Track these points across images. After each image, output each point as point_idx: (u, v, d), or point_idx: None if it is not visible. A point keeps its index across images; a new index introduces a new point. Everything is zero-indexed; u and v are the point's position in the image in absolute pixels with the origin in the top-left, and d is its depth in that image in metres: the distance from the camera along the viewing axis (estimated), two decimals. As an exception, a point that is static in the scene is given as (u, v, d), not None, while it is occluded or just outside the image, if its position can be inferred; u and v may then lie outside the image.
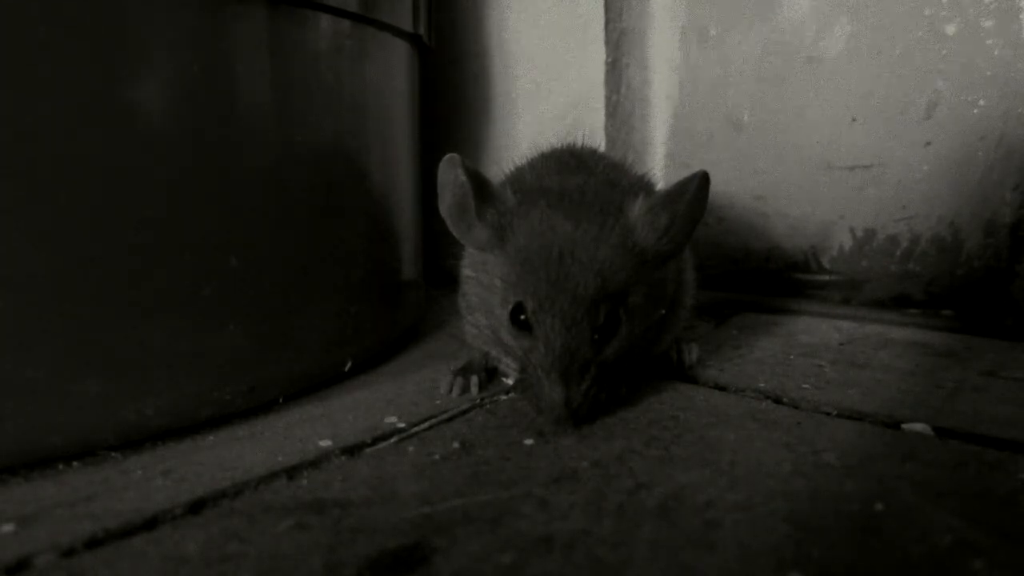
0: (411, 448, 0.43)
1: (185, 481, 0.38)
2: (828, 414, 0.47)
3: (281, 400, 0.51)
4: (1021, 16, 0.67)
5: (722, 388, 0.53)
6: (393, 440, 0.44)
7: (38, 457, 0.40)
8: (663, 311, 0.50)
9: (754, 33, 0.81)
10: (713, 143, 0.86)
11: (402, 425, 0.46)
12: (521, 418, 0.47)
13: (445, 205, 0.46)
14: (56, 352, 0.40)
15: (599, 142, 0.83)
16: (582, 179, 0.49)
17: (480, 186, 0.45)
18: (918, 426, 0.44)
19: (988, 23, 0.68)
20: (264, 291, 0.49)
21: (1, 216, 0.37)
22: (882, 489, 0.36)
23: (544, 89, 0.88)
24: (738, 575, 0.29)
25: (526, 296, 0.43)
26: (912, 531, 0.32)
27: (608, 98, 0.85)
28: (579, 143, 0.63)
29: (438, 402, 0.51)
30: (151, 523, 0.34)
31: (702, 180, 0.45)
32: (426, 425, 0.47)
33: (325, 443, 0.43)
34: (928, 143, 0.73)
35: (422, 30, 0.66)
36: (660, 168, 0.90)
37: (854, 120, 0.76)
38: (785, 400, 0.50)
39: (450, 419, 0.48)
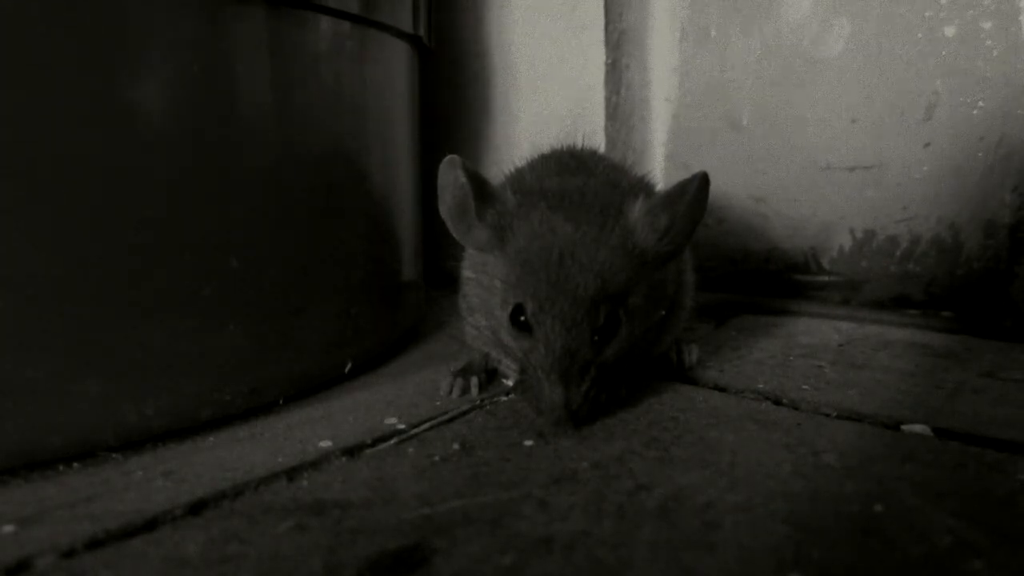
0: (411, 449, 0.43)
1: (185, 482, 0.38)
2: (828, 415, 0.47)
3: (281, 401, 0.51)
4: (1020, 18, 0.67)
5: (722, 389, 0.53)
6: (393, 441, 0.44)
7: (38, 458, 0.40)
8: (663, 312, 0.50)
9: (754, 34, 0.81)
10: (713, 144, 0.86)
11: (402, 426, 0.46)
12: (521, 419, 0.47)
13: (445, 206, 0.46)
14: (56, 352, 0.39)
15: (599, 143, 0.83)
16: (582, 180, 0.49)
17: (480, 187, 0.45)
18: (918, 427, 0.44)
19: (987, 24, 0.68)
20: (264, 292, 0.49)
21: (1, 216, 0.37)
22: (882, 490, 0.36)
23: (544, 90, 0.88)
24: (738, 576, 0.29)
25: (526, 297, 0.43)
26: (912, 532, 0.32)
27: (608, 99, 0.85)
28: (579, 144, 0.63)
29: (438, 403, 0.51)
30: (151, 524, 0.34)
31: (702, 181, 0.45)
32: (426, 426, 0.47)
33: (325, 444, 0.43)
34: (928, 144, 0.73)
35: (422, 31, 0.66)
36: (660, 169, 0.90)
37: (854, 121, 0.76)
38: (785, 401, 0.50)
39: (450, 420, 0.48)
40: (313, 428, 0.46)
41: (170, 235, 0.43)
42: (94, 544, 0.32)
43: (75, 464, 0.41)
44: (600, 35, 0.83)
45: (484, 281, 0.48)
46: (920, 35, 0.72)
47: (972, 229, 0.72)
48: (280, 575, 0.30)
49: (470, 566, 0.30)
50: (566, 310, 0.42)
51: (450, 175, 0.45)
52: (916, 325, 0.71)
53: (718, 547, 0.31)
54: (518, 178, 0.54)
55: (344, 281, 0.56)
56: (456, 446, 0.43)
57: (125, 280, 0.42)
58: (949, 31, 0.70)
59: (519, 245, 0.44)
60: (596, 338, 0.43)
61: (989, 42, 0.68)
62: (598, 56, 0.84)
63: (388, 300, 0.64)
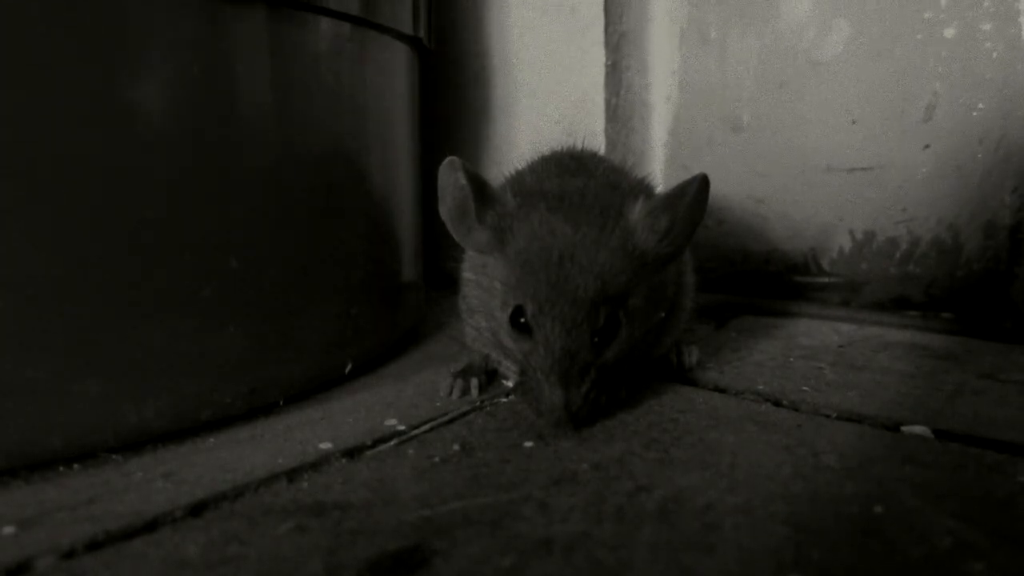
0: (411, 450, 0.43)
1: (185, 483, 0.38)
2: (828, 416, 0.47)
3: (281, 402, 0.51)
4: (1019, 19, 0.67)
5: (722, 390, 0.53)
6: (393, 442, 0.44)
7: (38, 459, 0.40)
8: (663, 314, 0.50)
9: (754, 36, 0.82)
10: (713, 145, 0.86)
11: (402, 427, 0.46)
12: (521, 421, 0.47)
13: (445, 208, 0.46)
14: (56, 352, 0.39)
15: (599, 145, 0.83)
16: (582, 182, 0.49)
17: (480, 189, 0.45)
18: (918, 428, 0.44)
19: (987, 26, 0.68)
20: (264, 292, 0.49)
21: (1, 216, 0.37)
22: (882, 491, 0.36)
23: (544, 91, 0.88)
24: (738, 578, 0.29)
25: (526, 299, 0.43)
26: (912, 533, 0.32)
27: (608, 100, 0.85)
28: (579, 146, 0.63)
29: (438, 404, 0.51)
30: (151, 525, 0.34)
31: (702, 183, 0.45)
32: (426, 427, 0.47)
33: (325, 445, 0.43)
34: (927, 145, 0.73)
35: (422, 32, 0.66)
36: (660, 171, 0.90)
37: (853, 122, 0.76)
38: (785, 402, 0.50)
39: (450, 421, 0.48)
40: (313, 429, 0.46)
41: (170, 235, 0.43)
42: (94, 545, 0.32)
43: (75, 465, 0.41)
44: (600, 37, 0.83)
45: (484, 282, 0.48)
46: (920, 37, 0.72)
47: (972, 230, 0.72)
48: (280, 576, 0.30)
49: (470, 567, 0.30)
50: (566, 312, 0.42)
51: (450, 177, 0.45)
52: (916, 326, 0.71)
53: (718, 548, 0.31)
54: (518, 180, 0.54)
55: (344, 282, 0.56)
56: (456, 447, 0.43)
57: (125, 280, 0.42)
58: (949, 33, 0.70)
59: (519, 247, 0.44)
60: (596, 340, 0.43)
61: (988, 44, 0.69)
62: (598, 58, 0.84)
63: (388, 301, 0.64)
